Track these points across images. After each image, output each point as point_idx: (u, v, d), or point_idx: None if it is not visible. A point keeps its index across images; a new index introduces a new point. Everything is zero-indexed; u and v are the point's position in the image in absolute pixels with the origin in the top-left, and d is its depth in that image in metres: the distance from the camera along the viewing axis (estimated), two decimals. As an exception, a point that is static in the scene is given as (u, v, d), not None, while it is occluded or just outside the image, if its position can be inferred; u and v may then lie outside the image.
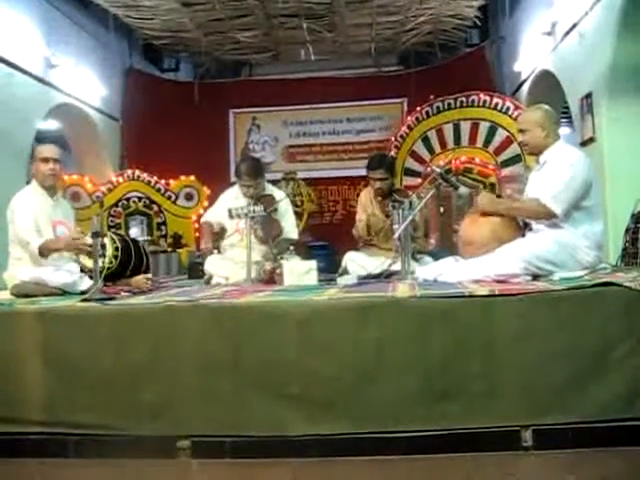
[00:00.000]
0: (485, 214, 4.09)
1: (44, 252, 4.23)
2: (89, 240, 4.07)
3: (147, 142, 10.29)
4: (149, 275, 4.62)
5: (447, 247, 5.50)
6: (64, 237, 4.35)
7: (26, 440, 3.15)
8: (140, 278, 4.50)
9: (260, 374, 3.10)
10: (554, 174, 3.87)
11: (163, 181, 9.46)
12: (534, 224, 4.02)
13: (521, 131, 4.14)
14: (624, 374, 2.97)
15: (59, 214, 4.54)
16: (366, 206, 5.52)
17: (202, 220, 5.60)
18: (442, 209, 7.42)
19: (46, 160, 4.43)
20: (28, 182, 5.18)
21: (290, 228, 5.28)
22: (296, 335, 3.10)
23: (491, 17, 10.65)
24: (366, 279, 4.36)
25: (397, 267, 4.38)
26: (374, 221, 5.31)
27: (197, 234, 9.15)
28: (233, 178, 10.05)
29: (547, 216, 3.85)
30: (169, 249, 9.20)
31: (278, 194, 5.39)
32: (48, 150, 4.48)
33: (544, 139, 4.02)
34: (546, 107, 4.18)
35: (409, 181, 8.28)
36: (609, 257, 5.36)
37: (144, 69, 11.20)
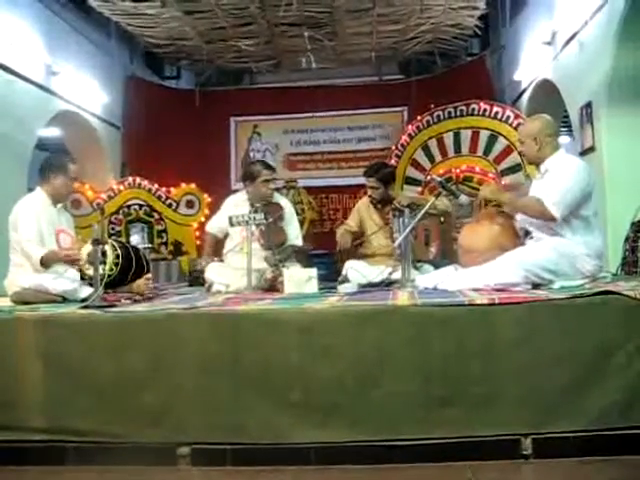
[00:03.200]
0: (485, 218, 4.11)
1: (46, 263, 4.25)
2: (84, 254, 4.12)
3: (148, 150, 10.31)
4: (149, 275, 4.62)
5: (447, 255, 5.51)
6: (61, 251, 4.37)
7: (26, 447, 3.14)
8: (141, 281, 4.51)
9: (261, 382, 3.10)
10: (555, 181, 3.88)
11: (164, 189, 9.46)
12: (535, 233, 4.02)
13: (520, 141, 4.21)
14: (623, 382, 2.97)
15: (62, 223, 4.57)
16: (362, 213, 5.55)
17: (207, 229, 5.61)
18: (442, 218, 7.41)
19: (74, 180, 4.58)
20: (30, 189, 5.20)
21: (294, 235, 5.31)
22: (297, 343, 3.11)
23: (492, 26, 10.69)
24: (366, 287, 4.36)
25: (397, 275, 4.38)
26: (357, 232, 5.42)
27: (198, 242, 9.17)
28: (234, 186, 10.17)
29: (545, 218, 3.87)
30: (170, 257, 9.20)
31: (283, 202, 5.43)
32: (78, 171, 4.65)
33: (537, 151, 4.04)
34: (545, 118, 4.19)
35: (410, 190, 8.27)
36: (609, 266, 5.36)
37: (145, 77, 11.23)
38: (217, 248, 5.47)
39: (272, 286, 4.65)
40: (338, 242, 5.44)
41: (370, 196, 5.44)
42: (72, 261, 4.29)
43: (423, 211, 4.39)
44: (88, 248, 4.05)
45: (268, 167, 5.33)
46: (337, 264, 5.53)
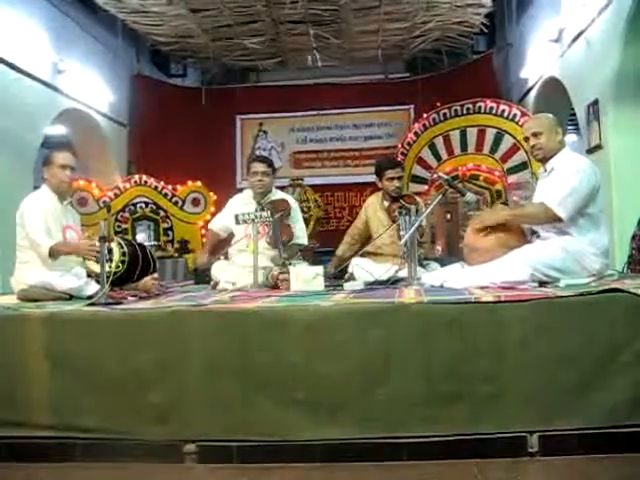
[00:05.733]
0: (490, 227, 4.10)
1: (54, 254, 4.25)
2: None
3: (154, 147, 10.34)
4: (156, 275, 4.63)
5: (453, 253, 5.50)
6: (74, 242, 4.37)
7: (33, 444, 3.15)
8: (147, 280, 4.52)
9: (267, 379, 3.10)
10: (561, 180, 3.87)
11: (170, 186, 9.48)
12: (542, 232, 4.02)
13: (534, 135, 4.06)
14: (630, 380, 2.96)
15: (69, 219, 4.57)
16: (368, 213, 5.57)
17: (209, 227, 5.60)
18: (449, 216, 7.41)
19: (64, 167, 4.50)
20: (36, 187, 5.21)
21: (300, 233, 5.31)
22: (303, 340, 3.11)
23: (498, 24, 10.68)
24: (373, 285, 4.36)
25: (404, 273, 4.38)
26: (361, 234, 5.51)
27: (204, 239, 9.18)
28: (240, 184, 10.19)
29: (551, 220, 3.86)
30: (176, 254, 9.22)
31: (289, 199, 5.43)
32: (66, 157, 4.54)
33: (559, 143, 4.03)
34: (549, 114, 4.23)
35: (416, 188, 8.26)
36: (615, 264, 5.36)
37: (151, 74, 11.26)
38: (220, 247, 5.48)
39: (276, 284, 4.66)
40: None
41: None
42: (86, 252, 4.26)
43: (429, 209, 4.39)
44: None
45: (260, 161, 5.33)
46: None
